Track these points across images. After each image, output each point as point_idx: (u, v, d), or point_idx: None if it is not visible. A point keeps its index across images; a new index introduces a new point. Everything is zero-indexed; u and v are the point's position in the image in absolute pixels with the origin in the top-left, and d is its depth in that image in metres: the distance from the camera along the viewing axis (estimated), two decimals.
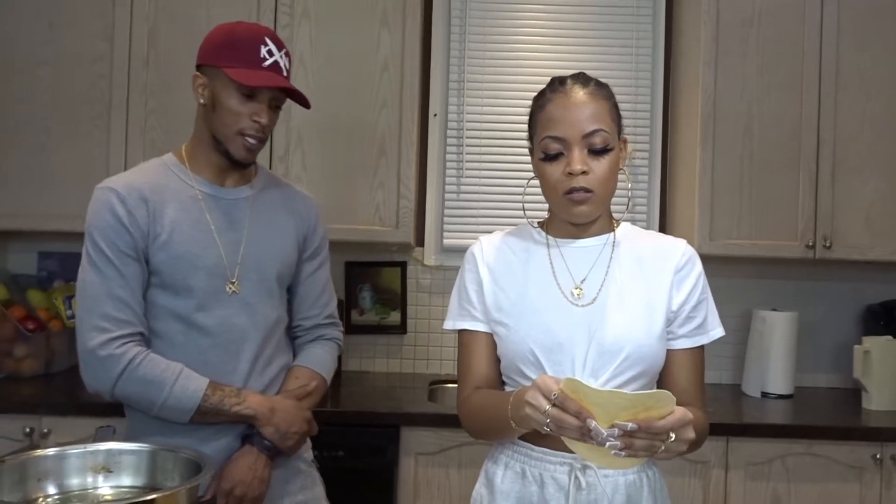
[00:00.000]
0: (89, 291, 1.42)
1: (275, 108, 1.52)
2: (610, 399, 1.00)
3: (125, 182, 1.47)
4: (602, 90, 1.28)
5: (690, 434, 1.04)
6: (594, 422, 1.00)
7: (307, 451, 1.66)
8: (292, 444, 1.50)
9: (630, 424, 0.99)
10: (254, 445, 1.47)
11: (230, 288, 1.49)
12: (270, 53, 1.45)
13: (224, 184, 1.55)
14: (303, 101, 1.52)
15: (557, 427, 1.04)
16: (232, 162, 1.51)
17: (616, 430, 1.00)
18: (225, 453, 1.48)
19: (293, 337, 1.68)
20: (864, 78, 2.42)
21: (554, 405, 1.04)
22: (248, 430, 1.50)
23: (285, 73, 1.49)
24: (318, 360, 1.63)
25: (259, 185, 1.60)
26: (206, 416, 1.44)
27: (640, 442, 1.01)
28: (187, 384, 1.41)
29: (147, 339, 1.47)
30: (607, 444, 1.00)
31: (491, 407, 1.23)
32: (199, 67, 1.50)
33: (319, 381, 1.61)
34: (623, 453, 1.01)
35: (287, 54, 1.51)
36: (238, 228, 1.52)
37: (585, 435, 1.02)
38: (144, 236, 1.44)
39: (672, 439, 1.02)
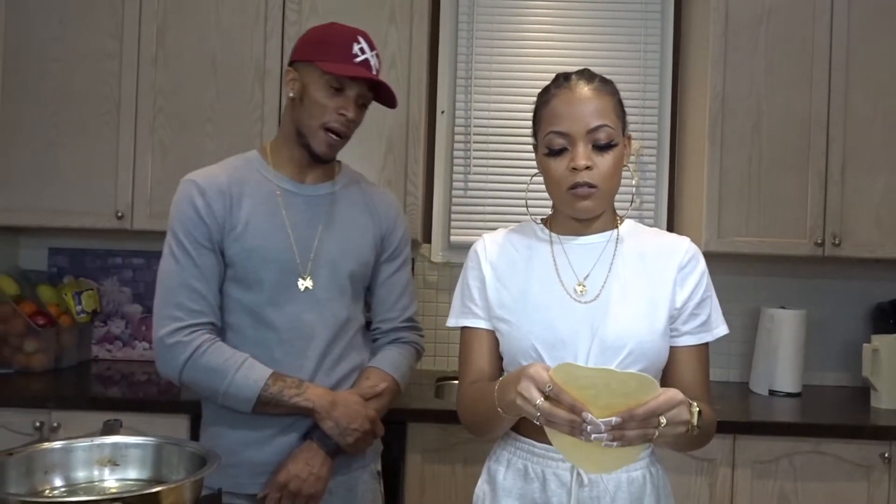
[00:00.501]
0: (165, 281, 1.46)
1: (361, 105, 1.52)
2: (604, 380, 0.99)
3: (206, 175, 1.51)
4: (607, 86, 1.28)
5: (684, 415, 1.04)
6: (590, 415, 1.00)
7: (375, 463, 1.62)
8: (353, 441, 1.46)
9: (614, 419, 0.99)
10: (314, 441, 1.46)
11: (302, 284, 1.49)
12: (362, 51, 1.48)
13: (304, 180, 1.56)
14: (389, 101, 1.53)
15: (548, 421, 1.04)
16: (313, 157, 1.52)
17: (603, 428, 1.00)
18: (289, 450, 1.47)
19: (373, 339, 1.66)
20: (874, 74, 2.40)
21: (547, 398, 1.03)
22: (313, 429, 1.48)
23: (375, 72, 1.50)
24: (392, 362, 1.59)
25: (340, 183, 1.60)
26: (268, 407, 1.44)
27: (632, 432, 1.01)
28: (249, 374, 1.42)
29: (220, 329, 1.50)
30: (602, 441, 1.00)
31: (481, 398, 1.23)
32: (292, 64, 1.53)
33: (390, 384, 1.57)
34: (615, 444, 1.00)
35: (378, 56, 1.53)
36: (314, 225, 1.53)
37: (576, 429, 1.01)
38: (220, 228, 1.47)
39: (664, 424, 1.01)
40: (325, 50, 1.47)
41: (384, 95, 1.53)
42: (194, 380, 1.44)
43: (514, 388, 1.07)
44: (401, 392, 1.62)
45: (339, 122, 1.48)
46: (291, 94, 1.51)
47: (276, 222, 1.50)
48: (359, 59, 1.47)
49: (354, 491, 1.55)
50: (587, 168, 1.21)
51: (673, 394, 1.02)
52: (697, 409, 1.08)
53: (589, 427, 1.00)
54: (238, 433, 1.48)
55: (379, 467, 1.65)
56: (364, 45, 1.49)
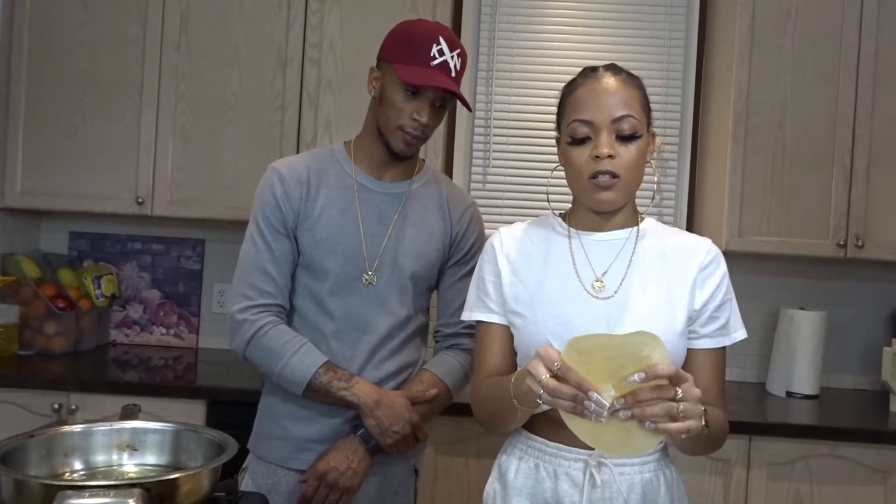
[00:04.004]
0: (242, 261, 1.53)
1: (439, 107, 1.51)
2: (602, 344, 0.99)
3: (289, 163, 1.55)
4: (633, 80, 1.27)
5: (696, 392, 1.02)
6: (596, 394, 0.99)
7: (415, 458, 1.62)
8: (392, 442, 1.47)
9: (635, 376, 0.97)
10: (356, 436, 1.48)
11: (366, 279, 1.52)
12: (441, 53, 1.46)
13: (382, 177, 1.57)
14: (465, 103, 1.52)
15: (552, 397, 1.02)
16: (392, 154, 1.53)
17: (622, 401, 0.99)
18: (333, 435, 1.50)
19: (434, 342, 1.66)
20: None
21: (554, 376, 1.02)
22: (358, 418, 1.49)
23: (454, 74, 1.49)
24: (447, 367, 1.58)
25: (419, 182, 1.60)
26: (317, 394, 1.47)
27: (652, 408, 0.99)
28: (304, 359, 1.46)
29: (287, 312, 1.54)
30: (619, 413, 0.98)
31: (496, 390, 1.22)
32: (378, 62, 1.54)
33: (442, 390, 1.55)
34: (629, 412, 0.99)
35: (461, 55, 1.51)
36: (385, 223, 1.54)
37: (579, 405, 1.00)
38: (296, 216, 1.51)
39: (679, 395, 0.99)
40: (404, 51, 1.47)
41: (460, 97, 1.51)
42: (255, 357, 1.49)
43: (526, 368, 1.06)
44: (452, 398, 1.61)
45: (414, 126, 1.48)
46: (373, 94, 1.53)
47: (349, 216, 1.52)
48: (437, 62, 1.46)
49: (390, 483, 1.56)
50: (610, 157, 1.20)
51: (678, 369, 1.01)
52: (702, 408, 1.06)
53: (593, 406, 0.99)
54: (288, 407, 1.52)
55: (419, 465, 1.65)
56: (444, 45, 1.47)
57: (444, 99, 1.50)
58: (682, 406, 1.00)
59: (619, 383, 1.00)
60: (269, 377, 1.53)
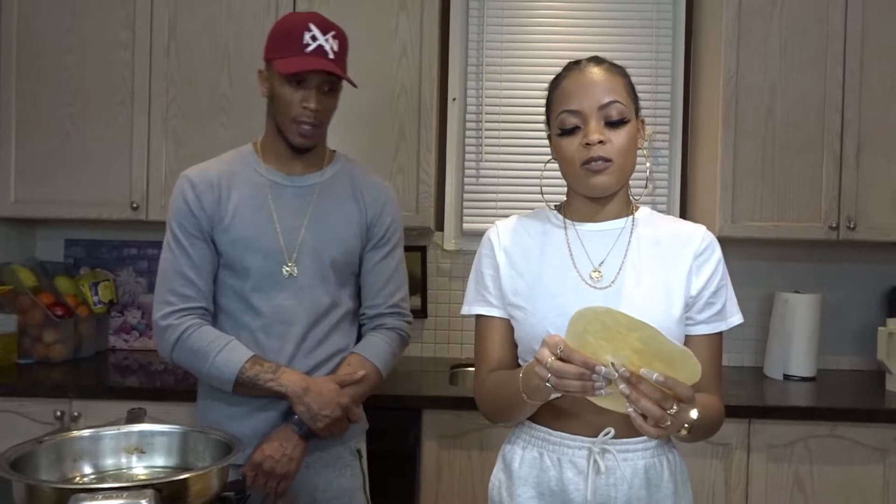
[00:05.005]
0: (162, 269, 1.58)
1: (328, 91, 1.56)
2: (647, 336, 1.00)
3: (200, 170, 1.60)
4: (617, 68, 1.28)
5: (692, 415, 1.05)
6: (603, 367, 1.01)
7: (354, 440, 1.67)
8: (323, 426, 1.52)
9: (656, 375, 1.00)
10: (289, 424, 1.52)
11: (287, 271, 1.56)
12: (314, 38, 1.51)
13: (292, 172, 1.62)
14: (349, 80, 1.56)
15: (559, 379, 1.04)
16: (293, 148, 1.59)
17: (627, 371, 1.01)
18: (267, 428, 1.55)
19: (360, 325, 1.71)
20: (890, 54, 2.38)
21: (559, 359, 1.04)
22: (290, 408, 1.54)
23: (332, 56, 1.52)
24: (374, 349, 1.64)
25: (329, 173, 1.65)
26: (247, 389, 1.52)
27: (646, 401, 1.01)
28: (230, 356, 1.50)
29: (211, 314, 1.59)
30: (620, 384, 1.00)
31: (504, 384, 1.24)
32: (265, 65, 1.59)
33: (370, 371, 1.61)
34: (630, 409, 1.02)
35: (337, 36, 1.54)
36: (300, 215, 1.59)
37: (587, 383, 1.02)
38: (210, 220, 1.56)
39: (675, 410, 1.02)
40: (279, 46, 1.52)
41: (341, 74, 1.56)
42: (182, 360, 1.54)
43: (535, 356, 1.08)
44: (383, 378, 1.65)
45: (305, 115, 1.53)
46: (264, 95, 1.59)
47: (264, 213, 1.57)
48: (311, 48, 1.50)
49: (332, 467, 1.62)
50: (600, 143, 1.21)
51: (692, 391, 1.04)
52: (695, 414, 1.09)
53: (600, 380, 1.01)
54: (222, 407, 1.57)
55: (361, 446, 1.69)
56: (316, 31, 1.51)
57: (332, 82, 1.56)
58: (669, 422, 1.02)
59: (625, 351, 1.01)
60: (199, 378, 1.59)
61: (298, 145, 1.57)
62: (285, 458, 1.49)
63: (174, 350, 1.53)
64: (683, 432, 1.08)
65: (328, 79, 1.53)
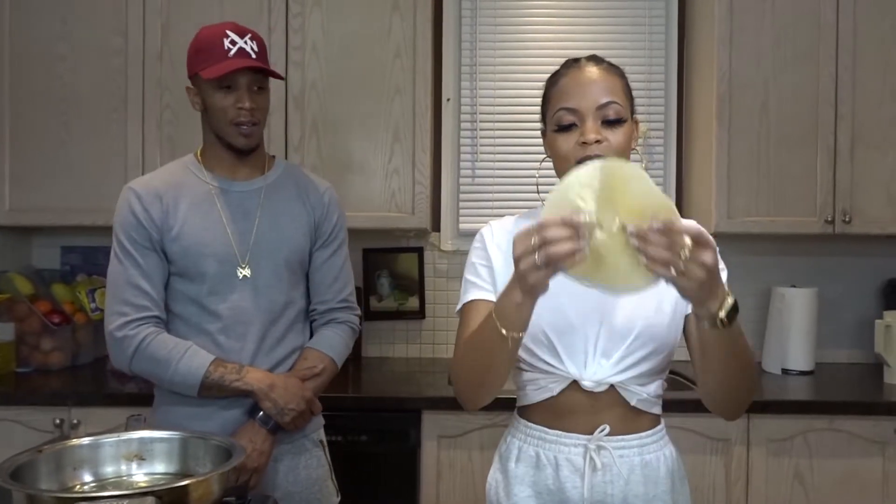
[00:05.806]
0: (112, 281, 1.59)
1: (258, 89, 1.61)
2: (642, 197, 0.97)
3: (144, 182, 1.64)
4: (615, 69, 1.29)
5: (709, 257, 0.96)
6: (587, 212, 0.97)
7: (317, 432, 1.73)
8: (290, 420, 1.57)
9: (654, 223, 0.94)
10: (255, 420, 1.56)
11: (241, 273, 1.60)
12: (234, 43, 1.56)
13: (236, 177, 1.66)
14: (275, 74, 1.61)
15: (547, 251, 0.96)
16: (236, 152, 1.63)
17: (631, 227, 0.96)
18: (231, 426, 1.58)
19: (311, 321, 1.75)
20: (882, 49, 2.38)
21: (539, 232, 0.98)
22: (254, 405, 1.58)
23: (254, 56, 1.58)
24: (329, 342, 1.70)
25: (273, 176, 1.70)
26: (212, 391, 1.55)
27: (655, 249, 0.95)
28: (192, 361, 1.53)
29: (165, 322, 1.61)
30: (628, 233, 0.94)
31: (479, 332, 1.15)
32: (190, 81, 1.64)
33: (328, 364, 1.68)
34: (641, 257, 0.96)
35: (254, 38, 1.60)
36: (250, 218, 1.63)
37: (576, 231, 0.96)
38: (159, 230, 1.58)
39: (688, 256, 0.95)
40: (201, 58, 1.57)
41: (267, 70, 1.60)
42: (142, 369, 1.56)
43: (512, 287, 1.03)
44: (338, 370, 1.72)
45: (242, 115, 1.58)
46: (197, 108, 1.63)
47: (213, 219, 1.60)
48: (233, 52, 1.56)
49: (299, 458, 1.67)
50: (597, 142, 1.21)
51: (701, 228, 0.98)
52: (732, 299, 1.00)
53: (585, 218, 0.96)
54: (184, 409, 1.59)
55: (322, 437, 1.75)
56: (234, 35, 1.57)
57: (260, 81, 1.60)
58: (684, 265, 0.95)
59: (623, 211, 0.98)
60: (160, 384, 1.60)
61: (242, 146, 1.61)
62: (256, 452, 1.53)
63: (133, 360, 1.55)
64: (722, 312, 0.99)
65: (256, 78, 1.59)
